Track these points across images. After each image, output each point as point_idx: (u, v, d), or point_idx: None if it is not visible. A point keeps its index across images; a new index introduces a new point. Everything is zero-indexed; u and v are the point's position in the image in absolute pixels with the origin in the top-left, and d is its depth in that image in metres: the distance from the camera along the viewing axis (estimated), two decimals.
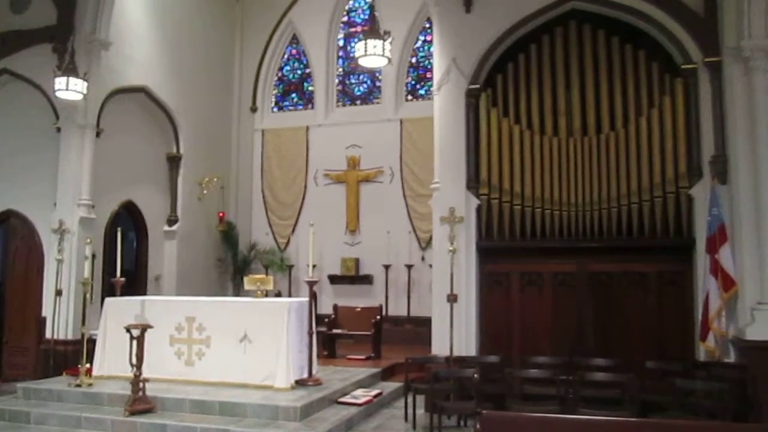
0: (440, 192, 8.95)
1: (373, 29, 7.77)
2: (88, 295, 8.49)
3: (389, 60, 7.93)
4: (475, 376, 4.94)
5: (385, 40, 7.70)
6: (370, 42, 7.67)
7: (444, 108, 9.05)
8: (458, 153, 8.95)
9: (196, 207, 13.08)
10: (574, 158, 8.73)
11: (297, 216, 13.83)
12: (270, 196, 14.20)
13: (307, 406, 7.08)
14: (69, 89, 9.24)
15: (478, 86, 9.00)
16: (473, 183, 8.95)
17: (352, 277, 13.18)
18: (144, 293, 11.79)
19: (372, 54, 7.66)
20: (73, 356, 9.46)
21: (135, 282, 12.11)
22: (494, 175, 8.89)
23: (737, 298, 7.47)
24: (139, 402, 7.20)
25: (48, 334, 9.95)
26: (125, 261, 12.72)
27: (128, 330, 7.36)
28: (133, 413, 7.05)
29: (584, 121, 8.82)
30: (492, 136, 8.97)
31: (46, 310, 10.11)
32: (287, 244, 13.86)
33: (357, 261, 13.23)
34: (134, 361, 7.27)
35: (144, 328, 7.48)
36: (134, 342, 7.34)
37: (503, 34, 8.97)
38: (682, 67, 8.34)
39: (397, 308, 12.86)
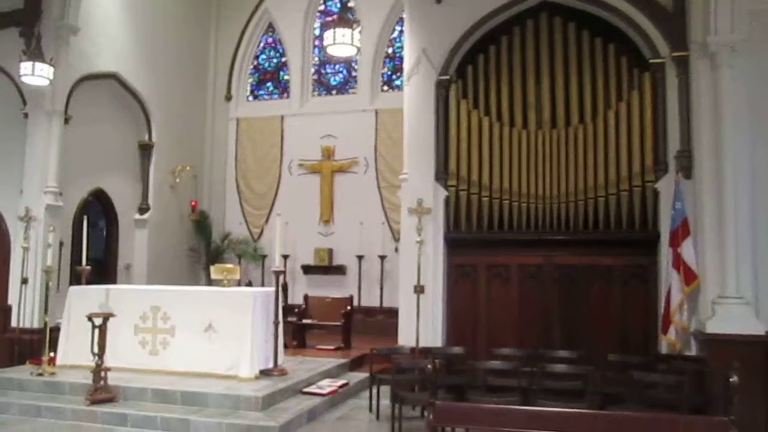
0: (409, 183, 8.93)
1: (342, 18, 7.69)
2: (51, 283, 8.41)
3: (358, 49, 7.87)
4: (429, 366, 4.92)
5: (354, 29, 7.64)
6: (339, 31, 7.58)
7: (414, 99, 9.02)
8: (427, 144, 8.93)
9: (169, 196, 12.97)
10: (543, 151, 8.75)
11: (271, 206, 13.76)
12: (244, 185, 14.11)
13: (269, 396, 7.06)
14: (35, 74, 9.10)
15: (448, 77, 8.98)
16: (442, 174, 8.94)
17: (326, 267, 13.15)
18: (114, 282, 11.71)
19: (341, 43, 7.58)
20: (39, 345, 9.27)
21: (105, 271, 12.02)
22: (463, 167, 8.88)
23: (699, 291, 7.52)
24: (101, 391, 7.15)
25: (14, 323, 9.82)
26: (95, 249, 12.70)
27: (90, 319, 7.29)
28: (94, 402, 7.01)
29: (553, 114, 8.84)
30: (461, 128, 8.96)
31: (12, 299, 9.98)
32: (261, 234, 13.80)
33: (330, 251, 13.21)
34: (96, 350, 7.21)
35: (106, 316, 7.41)
36: (96, 331, 7.29)
37: (474, 25, 8.94)
38: (650, 61, 8.36)
39: (369, 299, 12.87)
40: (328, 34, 7.60)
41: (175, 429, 6.62)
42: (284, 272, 8.63)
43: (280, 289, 8.39)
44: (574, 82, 8.79)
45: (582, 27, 8.83)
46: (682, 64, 8.04)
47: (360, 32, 7.89)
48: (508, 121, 8.95)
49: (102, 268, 12.20)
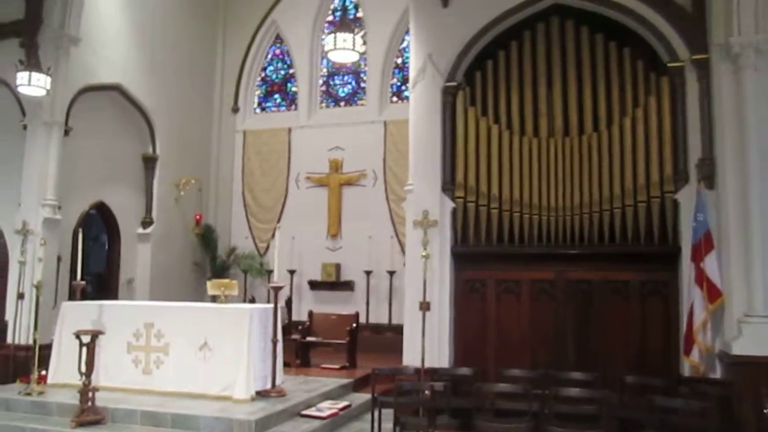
0: (414, 194, 8.57)
1: (343, 22, 7.40)
2: (42, 299, 8.15)
3: (360, 55, 7.56)
4: (426, 392, 4.50)
5: (355, 34, 7.32)
6: (340, 35, 7.28)
7: (419, 106, 8.68)
8: (433, 153, 8.57)
9: (173, 209, 12.70)
10: (555, 160, 8.34)
11: (278, 220, 13.42)
12: (250, 198, 13.82)
13: (264, 419, 6.67)
14: (31, 84, 8.87)
15: (455, 84, 8.63)
16: (449, 185, 8.56)
17: (333, 283, 12.78)
18: (115, 297, 11.45)
19: (342, 48, 7.27)
20: (33, 362, 9.06)
21: (106, 285, 11.78)
22: (471, 177, 8.49)
23: (723, 309, 7.04)
24: (88, 413, 6.80)
25: (9, 339, 9.54)
26: (96, 264, 12.48)
27: (78, 336, 6.97)
28: (79, 425, 6.66)
29: (566, 122, 8.43)
30: (469, 136, 8.58)
31: (9, 314, 9.72)
32: (267, 248, 13.46)
33: (338, 266, 12.83)
34: (83, 369, 6.89)
35: (95, 334, 7.10)
36: (84, 349, 6.96)
37: (482, 30, 8.59)
38: (669, 65, 7.94)
39: (378, 316, 12.46)
40: (329, 39, 7.31)
41: None
42: (282, 288, 8.21)
43: (280, 305, 8.02)
44: (587, 88, 8.38)
45: (595, 30, 8.44)
46: (702, 67, 7.63)
47: (363, 37, 7.53)
48: (518, 129, 8.55)
49: (103, 282, 11.96)
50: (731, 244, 6.98)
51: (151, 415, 6.80)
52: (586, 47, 8.44)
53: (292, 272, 13.01)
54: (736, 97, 7.05)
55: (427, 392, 4.47)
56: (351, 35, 7.25)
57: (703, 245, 7.07)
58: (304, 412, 7.35)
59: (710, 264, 7.01)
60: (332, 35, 7.26)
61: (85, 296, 10.84)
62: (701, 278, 7.04)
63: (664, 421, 5.95)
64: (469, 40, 8.63)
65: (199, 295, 13.05)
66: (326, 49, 7.39)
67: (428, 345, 7.96)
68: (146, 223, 12.20)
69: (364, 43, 13.36)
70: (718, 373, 7.14)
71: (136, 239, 12.07)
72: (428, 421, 4.58)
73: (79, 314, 8.09)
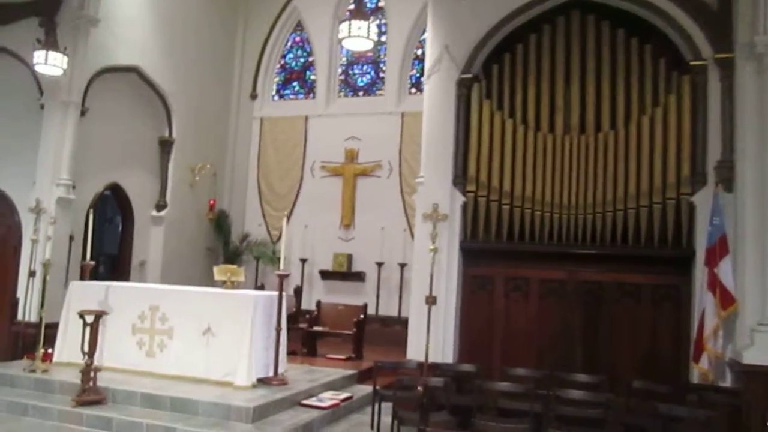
0: (425, 187, 8.46)
1: (359, 10, 7.29)
2: (50, 278, 8.19)
3: (375, 43, 7.44)
4: (419, 388, 4.41)
5: (371, 22, 7.21)
6: (355, 23, 7.18)
7: (434, 98, 8.56)
8: (446, 146, 8.45)
9: (187, 193, 12.70)
10: (570, 157, 8.17)
11: (291, 208, 13.40)
12: (265, 186, 13.79)
13: (262, 407, 6.63)
14: (48, 63, 8.91)
15: (470, 76, 8.48)
16: (460, 179, 8.44)
17: (344, 273, 12.71)
18: (127, 279, 11.49)
19: (356, 36, 7.17)
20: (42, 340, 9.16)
21: (119, 267, 11.83)
22: (483, 172, 8.36)
23: (736, 317, 6.85)
24: (89, 392, 6.83)
25: (19, 317, 9.64)
26: (110, 245, 12.56)
27: (81, 316, 7.00)
28: (80, 404, 6.69)
29: (583, 118, 8.25)
30: (483, 130, 8.43)
31: (21, 292, 9.81)
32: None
33: (350, 257, 12.76)
34: (86, 349, 6.91)
35: (98, 314, 7.12)
36: (87, 329, 6.98)
37: (501, 22, 8.43)
38: (691, 63, 7.73)
39: (388, 308, 12.37)
40: (343, 26, 7.21)
41: None
42: (288, 275, 8.16)
43: (288, 294, 7.98)
44: (606, 84, 8.19)
45: (617, 26, 8.24)
46: (725, 66, 7.40)
47: (379, 26, 7.41)
48: (533, 124, 8.39)
49: (116, 264, 12.03)
50: (747, 249, 6.78)
51: (151, 397, 6.81)
52: (607, 43, 8.24)
53: (303, 261, 12.98)
54: (759, 98, 6.85)
55: (419, 388, 4.36)
56: (366, 23, 7.14)
57: (718, 250, 6.88)
58: (305, 402, 7.30)
59: (724, 269, 6.82)
60: (347, 22, 7.16)
61: (97, 277, 10.95)
62: (714, 284, 6.85)
63: (668, 429, 5.79)
64: (486, 32, 8.48)
65: (211, 281, 12.93)
66: (340, 36, 7.29)
67: (433, 340, 7.86)
68: (160, 206, 12.21)
69: (384, 32, 13.28)
70: (728, 382, 6.95)
71: (149, 222, 12.09)
72: (421, 417, 4.49)
73: (86, 294, 8.15)
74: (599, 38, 8.29)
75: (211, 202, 13.24)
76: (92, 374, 6.84)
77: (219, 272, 8.30)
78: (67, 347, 8.05)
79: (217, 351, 7.43)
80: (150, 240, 12.10)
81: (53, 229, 8.31)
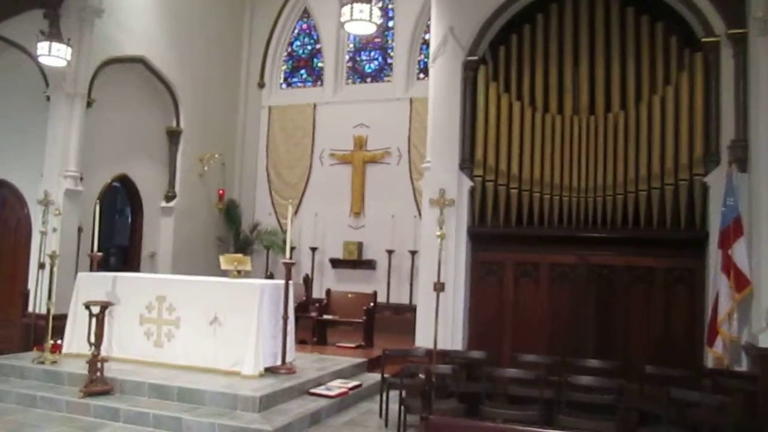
0: (431, 172, 8.33)
1: None
2: (57, 269, 8.19)
3: (377, 26, 7.30)
4: (421, 375, 4.32)
5: (373, 4, 7.07)
6: (357, 6, 7.05)
7: (439, 81, 8.41)
8: (452, 130, 8.30)
9: (197, 183, 12.70)
10: (579, 139, 8.00)
11: (301, 196, 13.35)
12: (274, 174, 13.75)
13: (270, 396, 6.58)
14: (51, 54, 8.89)
15: (476, 58, 8.32)
16: (467, 163, 8.31)
17: (354, 261, 12.66)
18: (138, 270, 11.52)
19: (358, 19, 7.05)
20: (52, 331, 9.18)
21: (129, 258, 11.87)
22: (490, 156, 8.21)
23: (752, 299, 6.66)
24: (96, 383, 6.82)
25: (30, 308, 9.69)
26: (120, 236, 12.59)
27: (87, 307, 6.98)
28: (88, 395, 6.68)
29: (592, 99, 8.07)
30: (490, 113, 8.28)
31: (31, 284, 9.85)
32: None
33: (360, 245, 12.70)
34: (93, 339, 6.90)
35: (104, 305, 7.10)
36: (94, 320, 6.97)
37: (507, 2, 8.28)
38: (703, 40, 7.52)
39: (399, 296, 12.31)
40: (345, 10, 7.08)
41: (167, 427, 6.21)
42: (293, 264, 8.10)
43: (297, 282, 7.91)
44: (616, 64, 7.99)
45: (627, 3, 8.04)
46: (739, 42, 7.18)
47: (381, 8, 7.26)
48: (541, 106, 8.23)
49: (126, 255, 12.06)
50: (762, 230, 6.59)
51: (159, 387, 6.79)
52: (616, 21, 8.04)
53: (313, 250, 12.94)
54: None
55: (421, 375, 4.27)
56: (368, 6, 7.01)
57: (732, 231, 6.69)
58: (313, 390, 7.24)
59: (739, 251, 6.63)
60: (349, 6, 7.03)
61: (108, 268, 10.99)
62: (728, 266, 6.67)
63: (682, 415, 5.66)
64: (492, 13, 8.31)
65: (222, 270, 13.06)
66: (342, 20, 7.17)
67: (441, 327, 7.79)
68: (169, 197, 12.20)
69: (391, 17, 13.11)
70: (743, 366, 6.79)
71: (159, 213, 12.10)
72: (423, 405, 4.39)
73: (93, 285, 8.13)
74: (608, 17, 8.10)
75: (221, 191, 13.22)
76: (99, 365, 6.83)
77: (225, 261, 8.26)
78: (76, 338, 8.02)
79: (224, 340, 7.39)
80: (160, 231, 12.12)
81: (60, 221, 8.25)
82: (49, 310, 8.03)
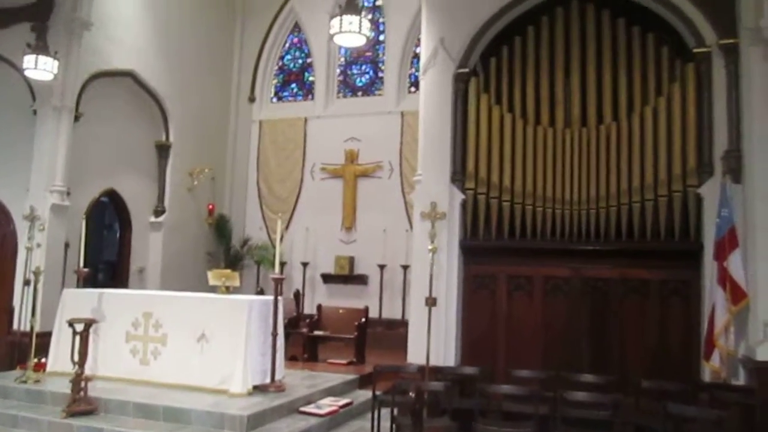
0: (422, 185, 8.22)
1: (350, 4, 7.06)
2: (43, 285, 8.06)
3: (367, 38, 7.22)
4: (411, 394, 4.19)
5: (363, 17, 7.00)
6: (346, 18, 6.97)
7: (430, 93, 8.33)
8: (443, 142, 8.20)
9: (186, 198, 12.56)
10: (571, 151, 7.91)
11: (292, 211, 13.24)
12: (265, 189, 13.64)
13: (258, 414, 6.42)
14: (38, 68, 8.79)
15: (467, 70, 8.25)
16: (458, 176, 8.20)
17: (346, 276, 12.52)
18: (126, 286, 11.35)
19: (348, 31, 6.97)
20: (38, 349, 8.98)
21: (118, 274, 11.69)
22: (482, 168, 8.11)
23: (748, 312, 6.58)
24: (80, 403, 6.64)
25: (15, 326, 9.50)
26: (109, 252, 12.42)
27: (71, 324, 6.82)
28: (71, 415, 6.50)
29: (584, 111, 7.99)
30: (481, 125, 8.20)
31: (17, 300, 9.67)
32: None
33: (352, 260, 12.57)
34: (76, 358, 6.73)
35: (88, 322, 6.94)
36: (77, 338, 6.81)
37: (496, 14, 8.20)
38: (694, 50, 7.46)
39: (391, 311, 12.16)
40: (335, 22, 7.00)
41: None
42: (283, 279, 7.97)
43: (287, 298, 7.77)
44: (607, 75, 7.93)
45: (617, 15, 7.99)
46: (731, 52, 7.13)
47: (370, 20, 7.20)
48: (533, 118, 8.15)
49: (114, 271, 11.89)
50: (758, 241, 6.51)
51: (144, 407, 6.62)
52: (607, 32, 7.99)
53: (305, 264, 12.79)
54: (766, 84, 6.57)
55: (411, 394, 4.14)
56: (357, 17, 6.93)
57: (728, 243, 6.61)
58: (303, 409, 7.09)
59: (734, 263, 6.55)
60: (338, 18, 6.96)
61: (96, 284, 10.81)
62: (724, 278, 6.58)
63: (679, 429, 5.54)
64: (482, 25, 8.24)
65: (212, 286, 12.90)
66: (332, 32, 7.10)
67: (434, 342, 7.65)
68: (158, 211, 12.06)
69: (382, 31, 13.09)
70: (741, 380, 6.67)
71: (148, 228, 11.94)
72: (413, 423, 4.26)
73: (78, 302, 7.99)
74: (599, 28, 8.05)
75: (210, 206, 13.08)
76: (83, 384, 6.66)
77: (214, 277, 8.14)
78: (61, 356, 7.85)
79: (211, 358, 7.24)
80: (149, 246, 11.95)
81: (46, 237, 8.11)
82: (32, 328, 7.88)
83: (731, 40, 7.11)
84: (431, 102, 8.34)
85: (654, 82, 7.78)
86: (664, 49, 7.76)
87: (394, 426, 5.96)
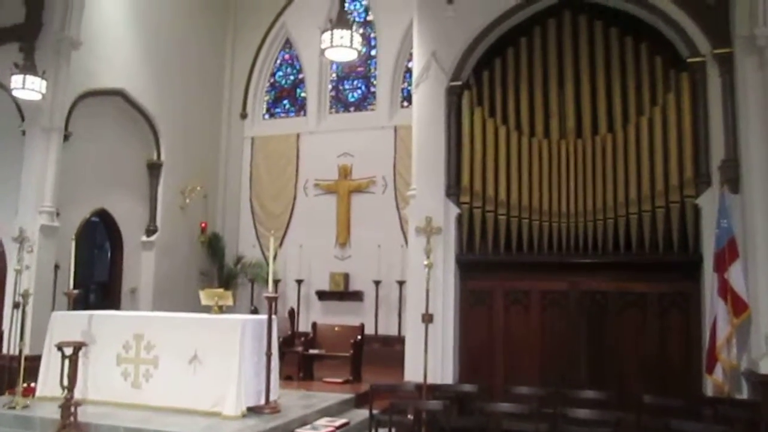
0: (417, 199, 8.14)
1: (341, 18, 7.00)
2: (32, 308, 7.92)
3: (358, 53, 7.15)
4: (410, 417, 4.06)
5: (354, 31, 6.93)
6: (337, 32, 6.91)
7: (423, 107, 8.28)
8: (437, 157, 8.15)
9: (178, 217, 12.41)
10: (567, 163, 7.87)
11: (285, 228, 13.11)
12: (258, 206, 13.51)
13: None
14: (26, 88, 8.70)
15: (460, 83, 8.21)
16: (453, 190, 8.13)
17: (341, 293, 12.36)
18: (118, 307, 11.17)
19: (339, 45, 6.90)
20: (28, 373, 8.81)
21: (109, 295, 11.51)
22: (477, 182, 8.04)
23: (750, 324, 6.48)
24: (70, 428, 6.44)
25: (5, 349, 9.31)
26: (100, 272, 12.24)
27: (60, 348, 6.65)
28: None
29: (579, 122, 7.96)
30: (475, 138, 8.14)
31: (6, 324, 9.49)
32: (274, 257, 13.07)
33: (347, 276, 12.42)
34: (65, 382, 6.55)
35: (77, 346, 6.77)
36: (66, 361, 6.64)
37: (489, 26, 8.19)
38: (689, 60, 7.45)
39: (387, 327, 11.99)
40: (325, 36, 6.92)
41: None
42: (276, 298, 7.82)
43: (282, 316, 7.63)
44: (601, 86, 7.91)
45: (610, 25, 7.99)
46: (725, 61, 7.12)
47: (361, 34, 7.12)
48: (527, 130, 8.10)
49: (106, 291, 11.72)
50: (758, 251, 6.45)
51: (135, 431, 6.44)
52: (600, 43, 7.99)
53: (299, 282, 12.65)
54: (761, 93, 6.57)
55: (410, 416, 4.01)
56: (348, 32, 6.87)
57: (728, 254, 6.53)
58: (298, 430, 6.92)
59: (735, 274, 6.47)
60: (329, 32, 6.89)
61: (88, 306, 10.64)
62: (725, 290, 6.50)
63: None
64: (475, 38, 8.22)
65: (206, 306, 12.74)
66: (323, 46, 7.02)
67: (431, 359, 7.48)
68: (150, 230, 11.91)
69: (374, 46, 13.05)
70: (744, 394, 6.56)
71: (139, 247, 11.79)
72: None
73: (68, 325, 7.79)
74: (592, 39, 8.04)
75: (203, 224, 12.95)
76: (73, 409, 6.48)
77: (206, 296, 7.98)
78: (50, 381, 7.65)
79: (204, 379, 7.06)
80: (141, 266, 11.79)
81: (35, 258, 7.96)
82: (21, 351, 7.69)
83: (725, 50, 7.10)
84: (424, 116, 8.28)
85: (649, 92, 7.76)
86: (658, 58, 7.75)
87: None
